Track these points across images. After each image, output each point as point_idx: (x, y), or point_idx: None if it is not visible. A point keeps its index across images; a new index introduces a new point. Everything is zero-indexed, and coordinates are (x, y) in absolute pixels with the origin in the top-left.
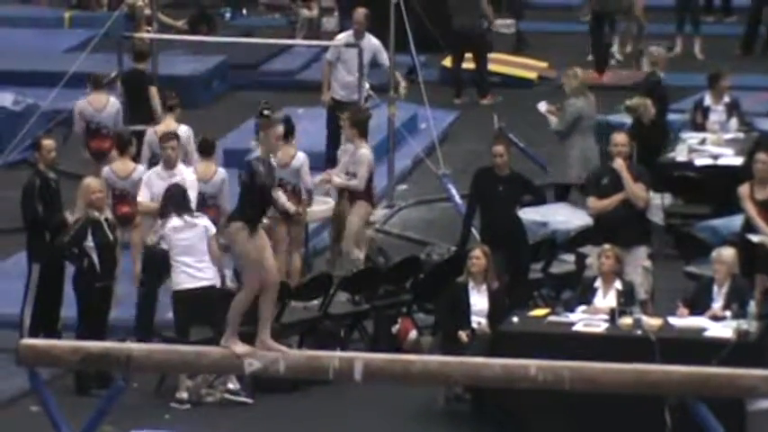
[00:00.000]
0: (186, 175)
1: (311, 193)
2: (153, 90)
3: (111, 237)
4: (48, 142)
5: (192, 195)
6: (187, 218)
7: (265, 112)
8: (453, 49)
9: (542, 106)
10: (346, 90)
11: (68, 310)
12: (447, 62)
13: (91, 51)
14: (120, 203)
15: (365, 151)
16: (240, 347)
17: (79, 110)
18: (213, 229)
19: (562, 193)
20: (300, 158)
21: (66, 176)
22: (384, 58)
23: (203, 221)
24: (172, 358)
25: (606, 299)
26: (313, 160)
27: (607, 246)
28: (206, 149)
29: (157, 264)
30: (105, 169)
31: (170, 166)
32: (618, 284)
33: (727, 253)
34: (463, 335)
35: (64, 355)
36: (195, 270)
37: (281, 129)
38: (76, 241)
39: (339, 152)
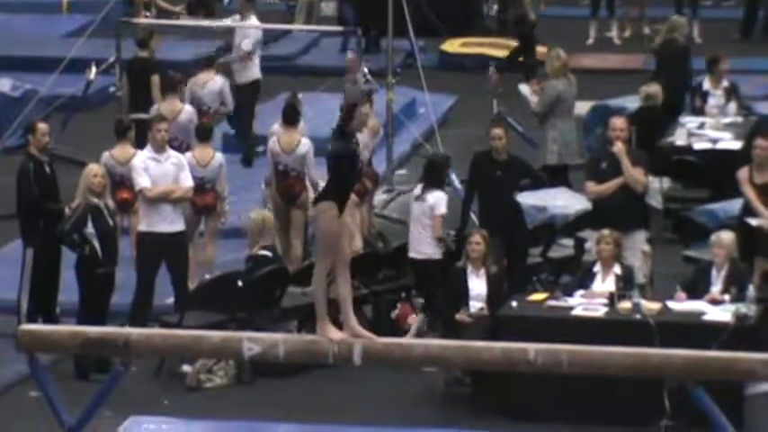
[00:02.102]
0: (177, 156)
1: (317, 186)
2: (155, 79)
3: (111, 223)
4: (42, 126)
5: (187, 175)
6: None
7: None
8: (522, 40)
9: (523, 88)
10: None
11: (68, 295)
12: (446, 46)
13: (89, 36)
14: (120, 189)
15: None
16: (335, 333)
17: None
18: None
19: (557, 176)
20: (306, 145)
21: (63, 162)
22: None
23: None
24: (171, 343)
25: (605, 283)
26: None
27: (606, 231)
28: (203, 134)
29: (152, 249)
30: (105, 155)
31: (161, 148)
32: (617, 269)
33: (727, 237)
34: (464, 316)
35: (63, 341)
36: None
37: (367, 107)
38: (77, 228)
39: None
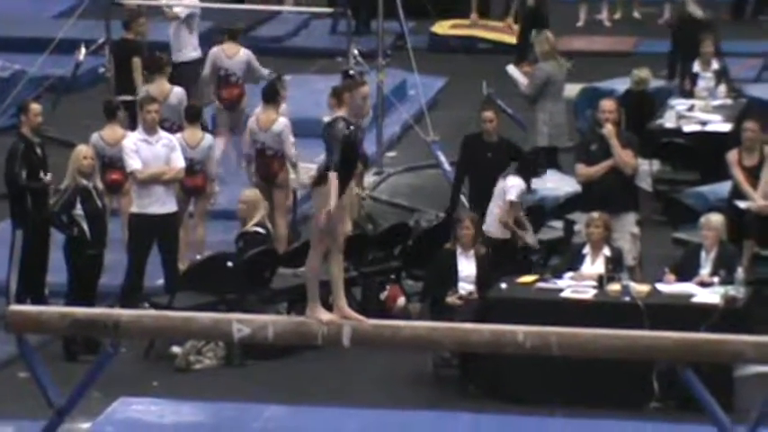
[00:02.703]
0: (169, 137)
1: (295, 165)
2: (135, 61)
3: (100, 204)
4: (35, 106)
5: (178, 156)
6: None
7: (351, 72)
8: (524, 22)
9: (512, 70)
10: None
11: (56, 276)
12: (436, 28)
13: (79, 17)
14: (109, 171)
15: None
16: (325, 315)
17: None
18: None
19: (549, 158)
20: (282, 123)
21: (53, 143)
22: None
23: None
24: (160, 324)
25: (594, 265)
26: (300, 127)
27: (595, 214)
28: (193, 115)
29: (144, 231)
30: (94, 136)
31: (152, 130)
32: (606, 251)
33: (716, 219)
34: (455, 298)
35: (52, 322)
36: None
37: (367, 88)
38: (66, 209)
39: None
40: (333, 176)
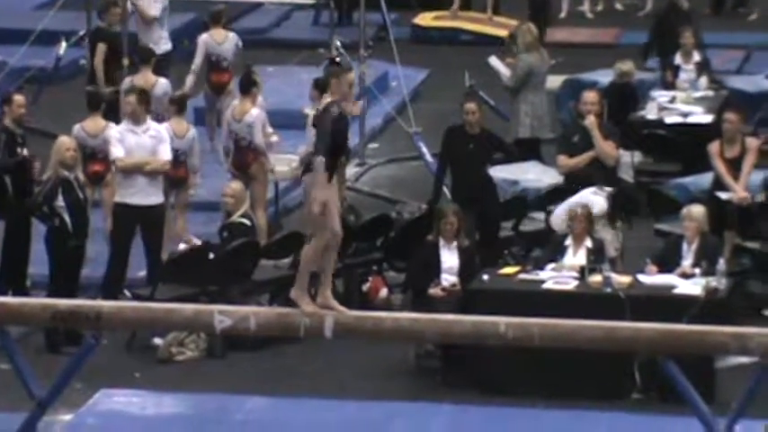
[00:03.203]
0: (158, 129)
1: (264, 153)
2: (100, 47)
3: (81, 196)
4: (18, 97)
5: (168, 148)
6: None
7: (337, 59)
8: (532, 16)
9: (493, 60)
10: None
11: (38, 267)
12: (419, 20)
13: (60, 9)
14: (91, 162)
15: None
16: (309, 306)
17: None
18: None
19: (530, 149)
20: (253, 115)
21: (34, 134)
22: None
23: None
24: (142, 315)
25: (576, 257)
26: (282, 118)
27: (578, 206)
28: (179, 105)
29: (125, 221)
30: (76, 127)
31: (135, 120)
32: (588, 242)
33: (697, 210)
34: (437, 290)
35: (34, 313)
36: None
37: (352, 75)
38: (47, 200)
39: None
40: (320, 162)
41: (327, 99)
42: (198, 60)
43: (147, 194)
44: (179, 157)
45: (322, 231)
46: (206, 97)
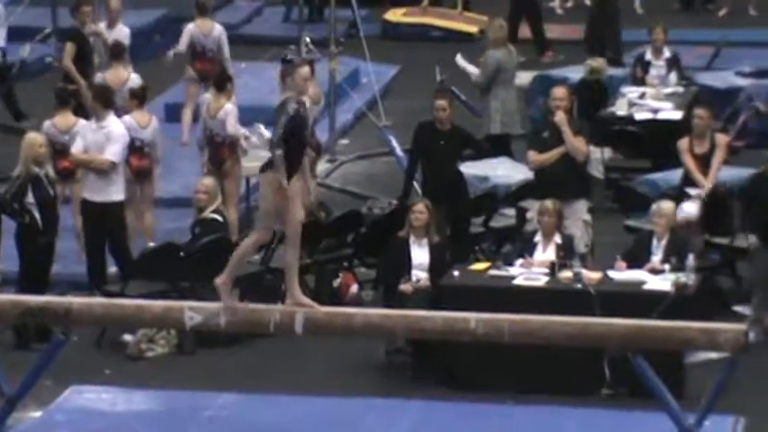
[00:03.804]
0: (113, 127)
1: (235, 143)
2: (68, 46)
3: (51, 192)
4: None
5: (116, 148)
6: None
7: (289, 56)
8: (512, 13)
9: (459, 60)
10: None
11: (8, 264)
12: (389, 16)
13: (28, 5)
14: (61, 158)
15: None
16: (228, 299)
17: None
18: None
19: (500, 145)
20: (226, 110)
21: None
22: None
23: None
24: (112, 312)
25: (546, 253)
26: (254, 115)
27: (548, 202)
28: (140, 97)
29: (86, 216)
30: (46, 123)
31: (99, 115)
32: (557, 238)
33: (667, 206)
34: (408, 286)
35: (3, 310)
36: None
37: (306, 69)
38: (17, 197)
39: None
40: (278, 157)
41: (285, 94)
42: (182, 47)
43: (96, 191)
44: (144, 149)
45: (264, 226)
46: (186, 87)
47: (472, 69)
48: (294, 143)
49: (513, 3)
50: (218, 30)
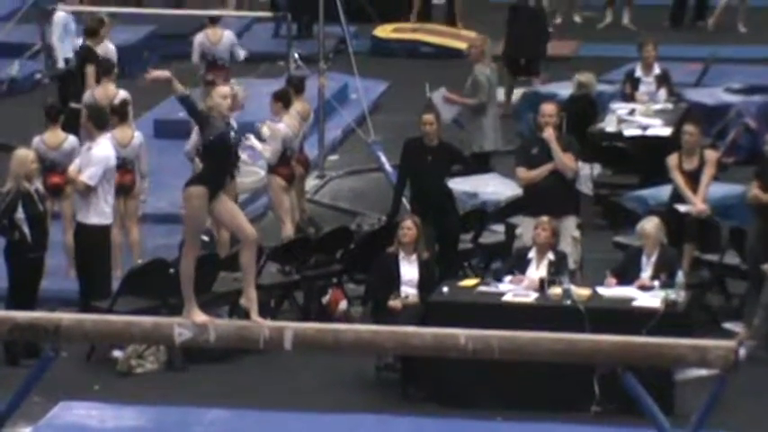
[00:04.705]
0: (96, 150)
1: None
2: (89, 69)
3: (41, 208)
4: None
5: (93, 171)
6: None
7: (209, 77)
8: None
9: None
10: None
11: None
12: (378, 32)
13: (19, 22)
14: (51, 174)
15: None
16: (200, 317)
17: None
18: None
19: (482, 163)
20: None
21: None
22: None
23: None
24: (101, 328)
25: (539, 270)
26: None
27: (544, 218)
28: (121, 114)
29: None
30: (36, 140)
31: (90, 137)
32: (551, 255)
33: (649, 224)
34: (397, 302)
35: None
36: None
37: (225, 88)
38: (7, 213)
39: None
40: (195, 190)
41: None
42: (195, 58)
43: (78, 210)
44: (126, 165)
45: (191, 243)
46: (202, 96)
47: (446, 113)
48: (220, 163)
49: (521, 21)
50: (227, 37)
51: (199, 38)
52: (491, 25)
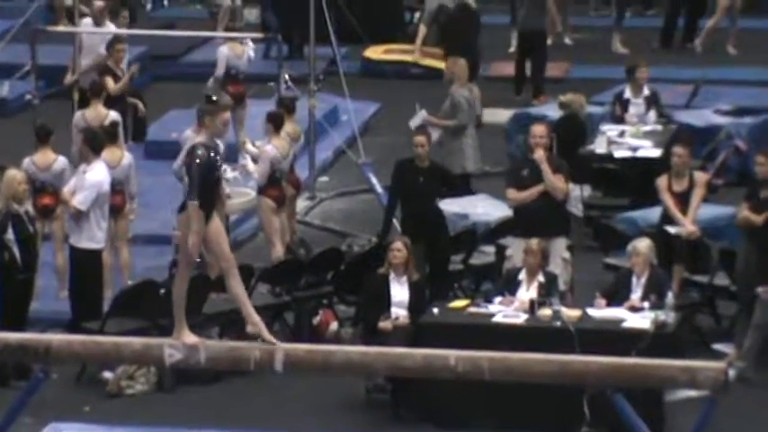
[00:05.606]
0: (89, 174)
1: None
2: (107, 80)
3: (31, 229)
4: None
5: (84, 196)
6: None
7: (214, 97)
8: (519, 49)
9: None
10: None
11: None
12: (369, 53)
13: (10, 42)
14: (41, 195)
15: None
16: (190, 338)
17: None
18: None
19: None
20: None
21: None
22: None
23: None
24: (91, 349)
25: (529, 291)
26: (234, 152)
27: (534, 240)
28: (111, 135)
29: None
30: (26, 161)
31: (86, 161)
32: (541, 277)
33: (641, 245)
34: (387, 324)
35: None
36: None
37: (227, 114)
38: None
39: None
40: (193, 206)
41: (197, 139)
42: (220, 72)
43: (70, 232)
44: (115, 186)
45: (185, 266)
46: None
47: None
48: (206, 188)
49: (521, 42)
50: (247, 52)
51: (223, 51)
52: (489, 47)
